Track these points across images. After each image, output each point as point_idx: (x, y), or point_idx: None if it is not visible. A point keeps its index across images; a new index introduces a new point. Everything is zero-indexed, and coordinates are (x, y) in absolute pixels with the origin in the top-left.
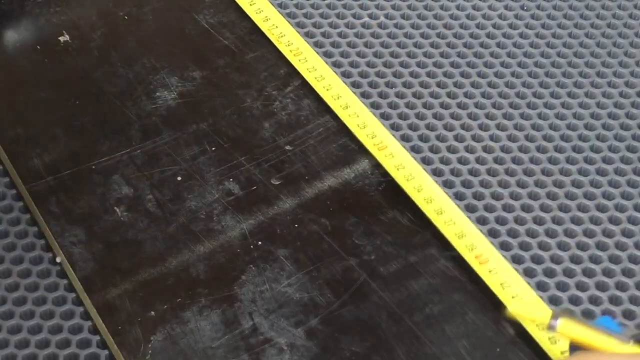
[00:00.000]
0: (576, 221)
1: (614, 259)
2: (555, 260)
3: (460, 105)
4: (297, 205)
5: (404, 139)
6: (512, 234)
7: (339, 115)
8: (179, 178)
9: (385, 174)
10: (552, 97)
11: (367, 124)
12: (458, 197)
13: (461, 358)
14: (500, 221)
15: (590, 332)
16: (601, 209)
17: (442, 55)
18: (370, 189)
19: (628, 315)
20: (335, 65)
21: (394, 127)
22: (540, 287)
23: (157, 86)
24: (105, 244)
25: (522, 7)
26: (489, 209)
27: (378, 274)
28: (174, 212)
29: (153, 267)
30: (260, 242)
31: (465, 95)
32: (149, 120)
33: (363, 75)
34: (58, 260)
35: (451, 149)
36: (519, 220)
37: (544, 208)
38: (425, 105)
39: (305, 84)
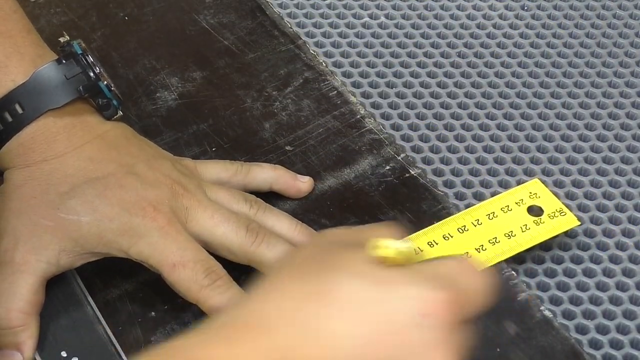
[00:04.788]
0: None
1: (614, 259)
2: (556, 260)
3: (460, 105)
4: (298, 206)
5: (404, 139)
6: None
7: None
8: None
9: (385, 175)
10: (552, 97)
11: None
12: (458, 197)
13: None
14: None
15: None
16: (601, 208)
17: (442, 55)
18: (371, 189)
19: (629, 315)
20: (336, 65)
21: (394, 127)
22: (541, 288)
23: (157, 87)
24: None
25: (522, 7)
26: None
27: None
28: None
29: None
30: None
31: (466, 95)
32: (150, 120)
33: (363, 75)
34: None
35: (452, 149)
36: None
37: None
38: (425, 105)
39: (305, 84)
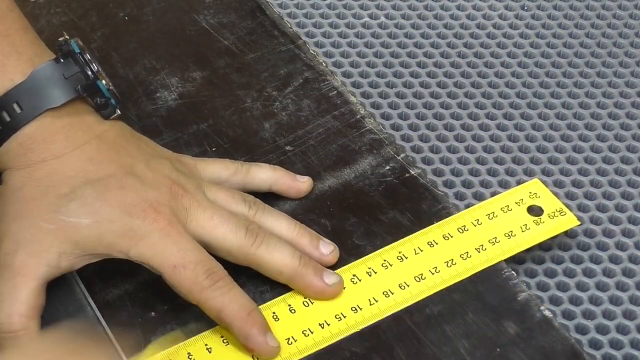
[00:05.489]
0: None
1: (614, 259)
2: (556, 260)
3: (460, 105)
4: (297, 206)
5: (404, 139)
6: None
7: None
8: None
9: (385, 175)
10: (552, 97)
11: None
12: (458, 197)
13: (461, 358)
14: None
15: None
16: (601, 208)
17: (442, 55)
18: (371, 189)
19: (629, 315)
20: (336, 65)
21: (394, 127)
22: (541, 288)
23: (157, 87)
24: None
25: (522, 7)
26: None
27: None
28: None
29: None
30: None
31: (466, 95)
32: (150, 120)
33: (363, 75)
34: None
35: (451, 149)
36: None
37: None
38: (425, 105)
39: (305, 84)
